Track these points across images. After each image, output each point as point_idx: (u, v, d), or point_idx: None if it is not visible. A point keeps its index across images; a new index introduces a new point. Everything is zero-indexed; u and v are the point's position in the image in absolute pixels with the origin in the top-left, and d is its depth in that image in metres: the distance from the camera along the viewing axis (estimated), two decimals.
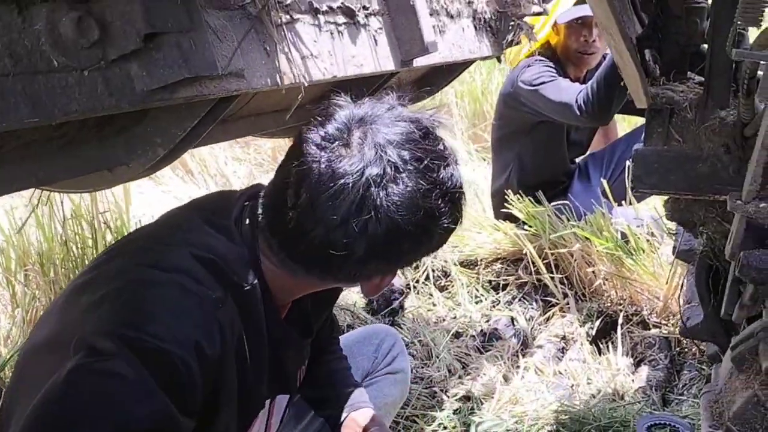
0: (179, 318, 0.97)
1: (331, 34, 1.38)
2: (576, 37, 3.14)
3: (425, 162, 1.04)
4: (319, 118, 1.09)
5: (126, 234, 1.19)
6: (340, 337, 1.65)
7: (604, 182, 3.11)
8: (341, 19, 1.41)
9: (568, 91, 2.94)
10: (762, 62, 0.97)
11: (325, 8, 1.36)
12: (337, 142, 1.04)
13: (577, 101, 2.85)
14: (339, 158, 1.02)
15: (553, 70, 3.11)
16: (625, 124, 4.43)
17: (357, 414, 1.47)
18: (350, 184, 1.00)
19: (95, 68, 0.86)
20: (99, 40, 0.84)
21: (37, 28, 0.80)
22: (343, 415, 1.48)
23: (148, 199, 3.91)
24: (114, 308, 0.98)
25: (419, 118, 1.09)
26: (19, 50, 0.79)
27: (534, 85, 3.07)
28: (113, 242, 1.23)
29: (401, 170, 1.02)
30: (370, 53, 1.50)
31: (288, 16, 1.25)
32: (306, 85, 1.26)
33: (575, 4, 3.08)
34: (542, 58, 3.18)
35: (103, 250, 1.24)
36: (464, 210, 1.14)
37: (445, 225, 1.09)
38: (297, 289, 1.20)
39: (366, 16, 1.49)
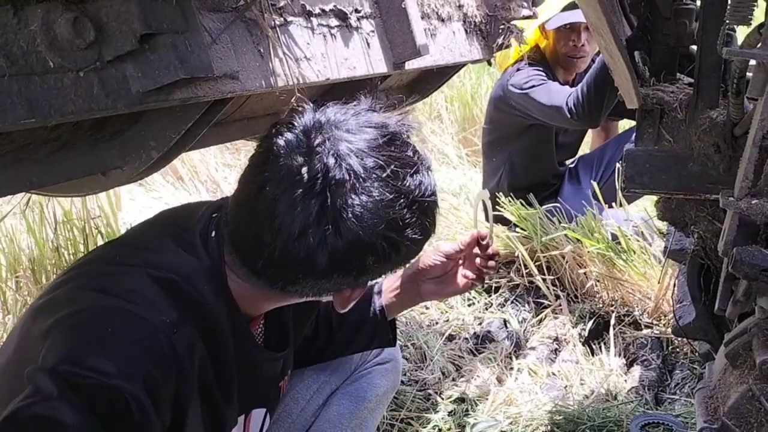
0: (127, 349, 0.93)
1: (324, 36, 1.39)
2: (565, 42, 3.16)
3: (389, 170, 0.98)
4: (280, 126, 1.04)
5: (90, 251, 1.14)
6: None
7: (594, 184, 3.13)
8: (334, 21, 1.42)
9: (559, 94, 2.96)
10: (752, 61, 0.99)
11: (317, 11, 1.36)
12: (295, 151, 0.98)
13: (567, 104, 2.87)
14: (297, 167, 0.97)
15: (543, 74, 3.14)
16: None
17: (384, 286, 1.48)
18: (308, 195, 0.96)
19: (91, 69, 0.86)
20: (95, 40, 0.85)
21: (32, 29, 0.80)
22: (377, 302, 1.48)
23: (138, 205, 3.90)
24: (59, 340, 0.93)
25: (386, 124, 1.04)
26: (15, 51, 0.79)
27: (524, 89, 3.09)
28: (77, 258, 1.18)
29: (363, 179, 0.97)
30: (363, 56, 1.50)
31: (281, 19, 1.25)
32: (299, 86, 1.27)
33: (563, 10, 3.10)
34: (532, 62, 3.21)
35: (65, 268, 1.18)
36: (437, 219, 1.09)
37: (412, 236, 1.03)
38: (267, 302, 1.16)
39: (358, 19, 1.50)
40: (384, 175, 0.98)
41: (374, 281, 1.16)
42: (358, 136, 1.00)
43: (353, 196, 0.97)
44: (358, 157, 0.98)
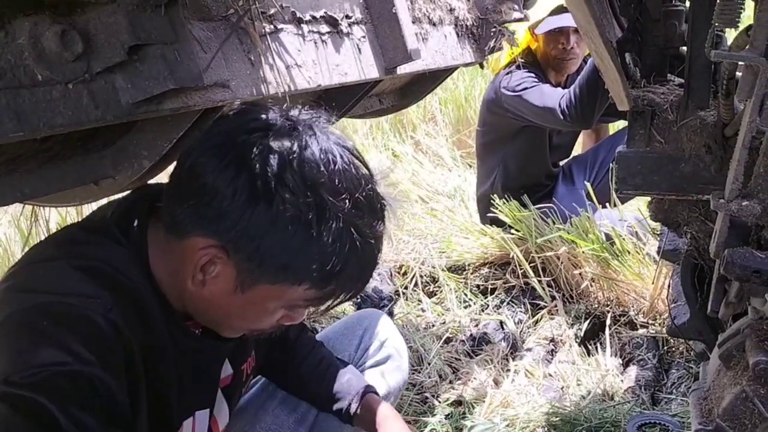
0: (69, 336, 0.93)
1: (315, 43, 1.39)
2: (554, 45, 3.18)
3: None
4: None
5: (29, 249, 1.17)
6: (322, 332, 1.63)
7: (588, 185, 3.14)
8: (324, 28, 1.42)
9: (551, 96, 2.97)
10: (740, 63, 0.99)
11: (308, 18, 1.36)
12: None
13: (560, 106, 2.88)
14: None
15: (535, 76, 3.15)
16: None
17: (367, 403, 1.46)
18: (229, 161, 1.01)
19: (80, 81, 0.86)
20: (83, 52, 0.84)
21: (20, 42, 0.80)
22: (353, 405, 1.45)
23: None
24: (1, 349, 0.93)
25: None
26: (3, 65, 0.79)
27: (517, 91, 3.10)
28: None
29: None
30: (354, 62, 1.50)
31: (272, 26, 1.25)
32: (290, 93, 1.27)
33: (551, 13, 3.12)
34: (524, 65, 3.22)
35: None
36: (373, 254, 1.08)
37: (327, 242, 1.01)
38: (185, 282, 1.11)
39: (349, 25, 1.50)
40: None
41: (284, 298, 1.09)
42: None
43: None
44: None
